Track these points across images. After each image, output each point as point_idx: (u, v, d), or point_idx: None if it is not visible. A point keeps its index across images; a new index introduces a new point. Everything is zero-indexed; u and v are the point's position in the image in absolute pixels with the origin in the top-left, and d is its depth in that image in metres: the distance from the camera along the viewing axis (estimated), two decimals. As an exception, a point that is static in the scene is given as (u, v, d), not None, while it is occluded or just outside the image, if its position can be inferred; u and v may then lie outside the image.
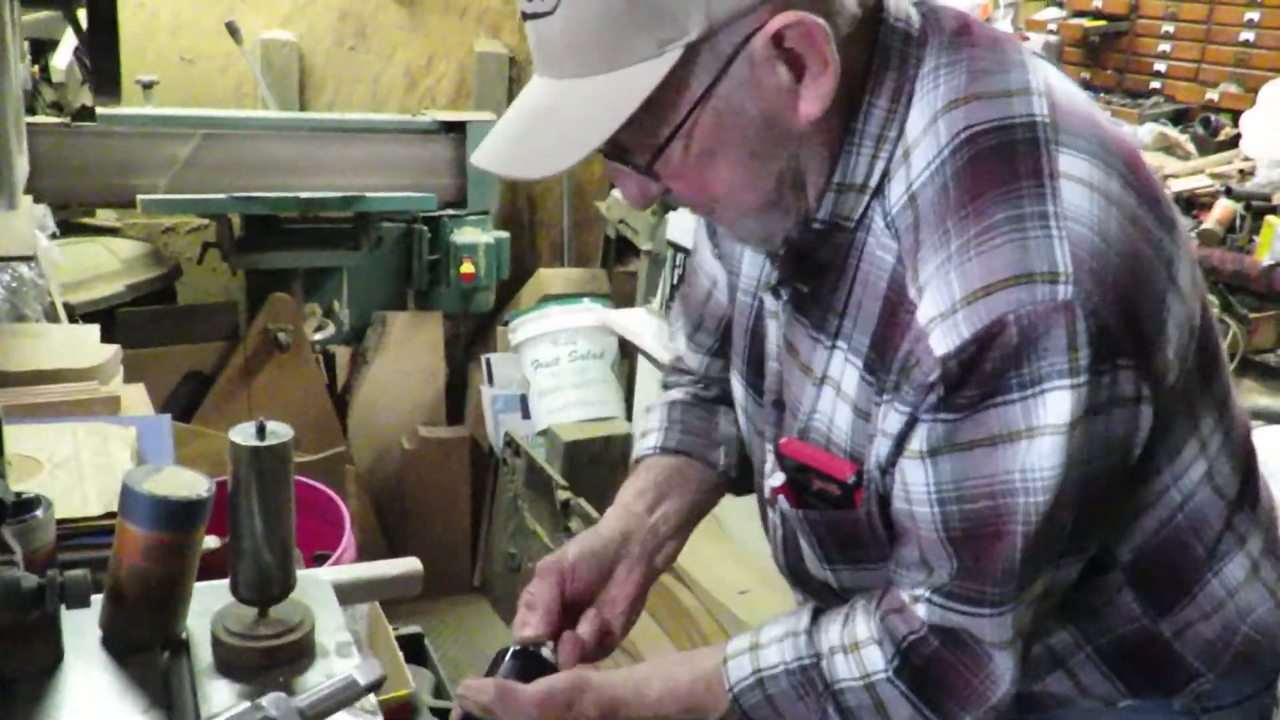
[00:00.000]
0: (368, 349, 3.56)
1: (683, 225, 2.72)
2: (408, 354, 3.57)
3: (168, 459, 1.63)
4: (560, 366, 3.25)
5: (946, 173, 0.92)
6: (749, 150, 0.93)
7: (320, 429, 3.32)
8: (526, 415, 3.38)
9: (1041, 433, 0.87)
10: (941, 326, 0.88)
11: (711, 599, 2.62)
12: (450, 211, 3.51)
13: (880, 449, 0.97)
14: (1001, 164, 0.90)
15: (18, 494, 1.10)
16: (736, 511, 2.60)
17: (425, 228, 3.51)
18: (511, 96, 3.83)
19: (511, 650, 1.14)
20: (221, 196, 3.02)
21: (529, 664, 1.12)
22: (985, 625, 0.97)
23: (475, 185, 3.55)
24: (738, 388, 1.23)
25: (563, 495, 3.03)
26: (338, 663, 1.29)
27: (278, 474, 1.20)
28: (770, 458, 1.14)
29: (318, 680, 1.20)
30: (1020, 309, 0.85)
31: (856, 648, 1.02)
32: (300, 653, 1.28)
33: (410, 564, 1.58)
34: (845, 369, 1.01)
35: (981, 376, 0.87)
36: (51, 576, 1.08)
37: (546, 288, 3.54)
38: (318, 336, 3.37)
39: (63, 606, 1.10)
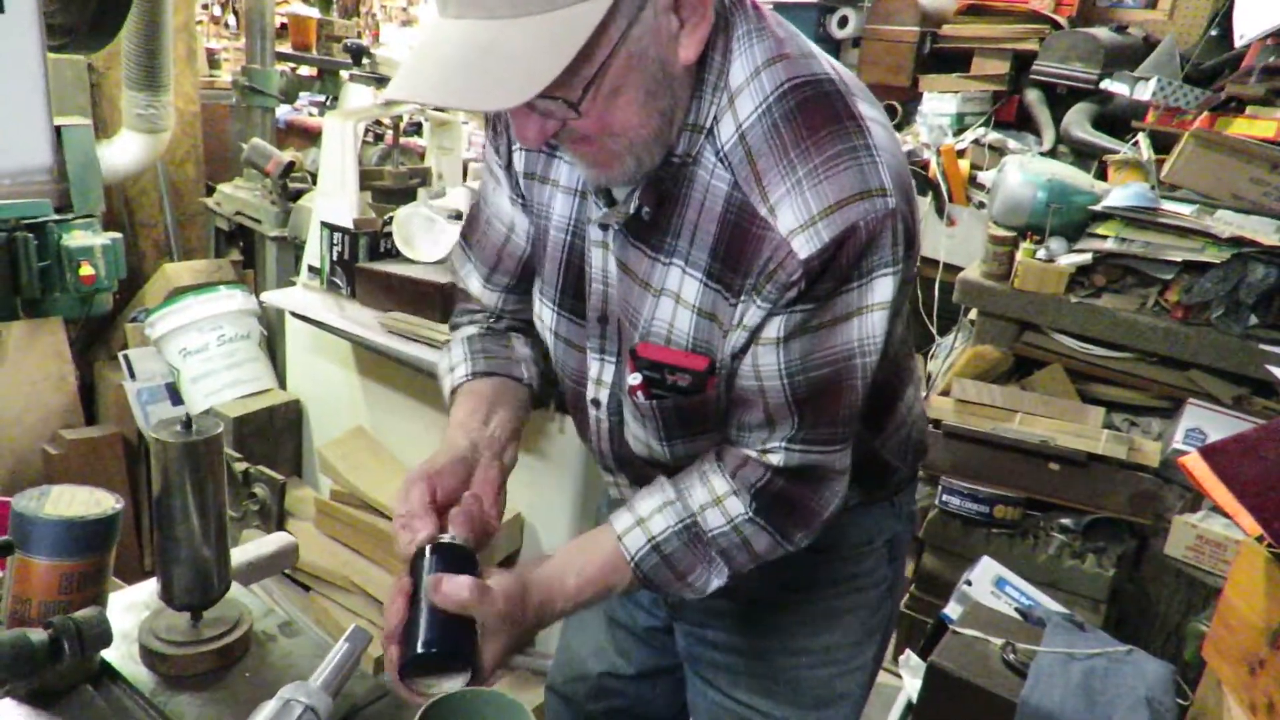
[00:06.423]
0: (-14, 365, 3.45)
1: (333, 207, 2.98)
2: (31, 363, 3.50)
3: None
4: (210, 351, 3.40)
5: (775, 115, 1.06)
6: (646, 89, 1.02)
7: (-43, 449, 3.21)
8: (177, 402, 3.49)
9: (873, 309, 1.08)
10: (803, 235, 1.03)
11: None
12: (55, 217, 3.49)
13: (736, 340, 1.13)
14: (826, 109, 1.06)
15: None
16: (399, 436, 2.97)
17: (30, 235, 3.45)
18: (96, 102, 3.83)
19: (431, 546, 1.13)
20: None
21: (453, 555, 1.12)
22: (836, 458, 1.19)
23: (79, 189, 3.54)
24: (547, 312, 1.34)
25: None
26: (291, 643, 1.22)
27: (213, 467, 1.13)
28: (605, 366, 1.28)
29: (285, 667, 1.14)
30: (867, 216, 1.02)
31: (720, 500, 1.20)
32: (250, 645, 1.23)
33: (283, 539, 1.56)
34: (684, 280, 1.14)
35: (836, 271, 1.04)
36: (61, 623, 0.95)
37: (174, 282, 3.63)
38: (-66, 356, 3.23)
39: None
